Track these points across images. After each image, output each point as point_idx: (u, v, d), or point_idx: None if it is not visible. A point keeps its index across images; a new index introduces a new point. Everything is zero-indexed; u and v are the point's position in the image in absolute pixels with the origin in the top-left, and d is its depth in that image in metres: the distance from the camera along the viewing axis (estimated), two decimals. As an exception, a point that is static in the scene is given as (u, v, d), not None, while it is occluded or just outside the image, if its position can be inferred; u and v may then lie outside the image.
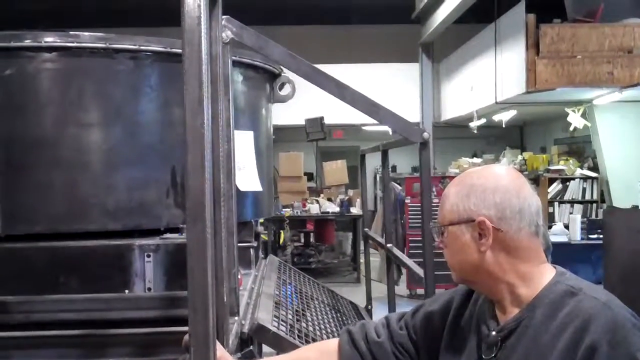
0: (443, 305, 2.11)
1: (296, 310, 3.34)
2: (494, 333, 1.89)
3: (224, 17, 2.49)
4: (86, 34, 3.24)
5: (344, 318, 4.01)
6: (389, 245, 5.54)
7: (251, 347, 2.47)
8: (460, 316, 2.05)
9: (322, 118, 14.60)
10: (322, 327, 3.41)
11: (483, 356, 1.90)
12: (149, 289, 3.15)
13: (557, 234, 10.63)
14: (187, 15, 1.55)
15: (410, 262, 4.65)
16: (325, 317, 3.71)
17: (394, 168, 22.27)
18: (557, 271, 1.90)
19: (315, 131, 14.74)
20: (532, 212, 1.87)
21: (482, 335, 1.93)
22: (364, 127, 19.24)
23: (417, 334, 2.13)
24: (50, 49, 3.19)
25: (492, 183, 1.89)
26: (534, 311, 1.83)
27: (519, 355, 1.81)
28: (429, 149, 2.97)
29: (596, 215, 12.31)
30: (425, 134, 2.84)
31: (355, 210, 14.55)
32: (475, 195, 1.89)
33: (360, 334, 2.19)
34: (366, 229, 7.33)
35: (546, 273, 1.89)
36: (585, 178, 12.85)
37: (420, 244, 11.97)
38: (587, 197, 12.80)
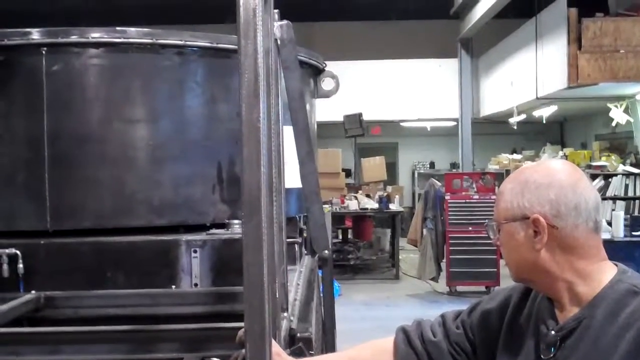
0: (501, 303, 2.06)
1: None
2: (553, 332, 1.83)
3: (285, 21, 2.48)
4: (132, 29, 3.25)
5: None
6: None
7: (300, 344, 2.44)
8: (518, 314, 1.99)
9: (360, 114, 14.56)
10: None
11: (542, 356, 1.84)
12: (196, 285, 3.15)
13: (600, 231, 10.47)
14: (243, 8, 1.53)
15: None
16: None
17: (432, 164, 22.19)
18: (618, 269, 1.84)
19: (353, 127, 14.72)
20: (590, 208, 1.81)
21: (540, 334, 1.87)
22: (402, 124, 19.16)
23: (474, 333, 2.08)
24: (97, 44, 3.21)
25: (547, 179, 1.84)
26: (594, 310, 1.77)
27: (579, 357, 1.76)
28: (331, 265, 2.93)
29: (639, 212, 12.11)
30: (326, 252, 2.82)
31: (394, 206, 14.48)
32: (529, 191, 1.84)
33: (415, 333, 2.15)
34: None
35: (607, 271, 1.83)
36: (627, 174, 12.63)
37: (461, 240, 11.81)
38: (630, 193, 12.57)
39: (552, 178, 1.84)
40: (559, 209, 1.80)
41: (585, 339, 1.76)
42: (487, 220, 2.01)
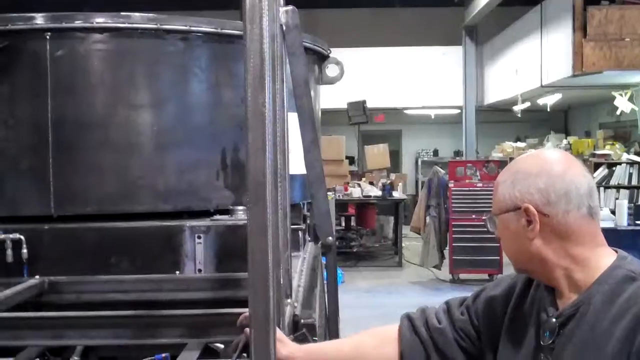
0: (505, 290, 2.06)
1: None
2: (553, 320, 1.84)
3: (290, 6, 2.47)
4: (137, 14, 3.24)
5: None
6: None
7: (304, 330, 2.44)
8: (521, 302, 1.99)
9: (364, 102, 14.55)
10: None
11: (541, 342, 1.85)
12: (200, 271, 3.15)
13: (604, 220, 10.42)
14: (249, -8, 1.53)
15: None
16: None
17: (436, 152, 22.17)
18: (618, 255, 1.84)
19: (357, 114, 14.71)
20: (581, 194, 1.80)
21: (541, 321, 1.88)
22: (406, 111, 19.13)
23: (478, 319, 2.08)
24: (102, 29, 3.20)
25: (537, 168, 1.84)
26: (592, 297, 1.77)
27: (576, 343, 1.76)
28: (334, 252, 2.93)
29: (643, 201, 12.10)
30: (329, 239, 2.81)
31: (397, 194, 14.48)
32: (519, 182, 1.85)
33: (420, 320, 2.15)
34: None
35: (605, 257, 1.83)
36: (631, 163, 12.60)
37: (464, 228, 11.76)
38: (634, 182, 12.55)
39: (541, 167, 1.84)
40: (548, 197, 1.80)
41: (582, 325, 1.76)
42: (484, 215, 2.02)
